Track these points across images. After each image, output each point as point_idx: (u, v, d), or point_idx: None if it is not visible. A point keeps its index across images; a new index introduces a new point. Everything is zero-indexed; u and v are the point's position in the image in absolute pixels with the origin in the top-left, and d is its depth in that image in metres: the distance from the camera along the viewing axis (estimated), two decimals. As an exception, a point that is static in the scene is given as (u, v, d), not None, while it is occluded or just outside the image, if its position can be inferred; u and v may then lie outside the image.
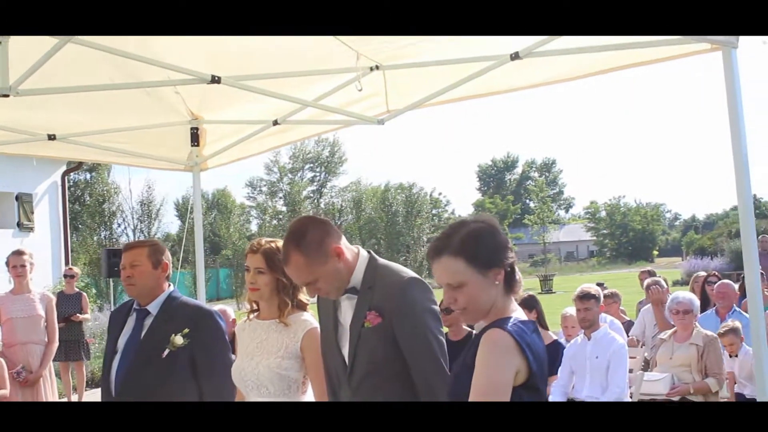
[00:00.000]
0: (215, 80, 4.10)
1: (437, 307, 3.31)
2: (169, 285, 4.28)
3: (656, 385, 6.57)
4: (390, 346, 3.19)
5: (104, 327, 15.43)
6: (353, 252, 3.34)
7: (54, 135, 5.48)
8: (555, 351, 7.02)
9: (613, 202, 79.57)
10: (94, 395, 12.29)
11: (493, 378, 2.49)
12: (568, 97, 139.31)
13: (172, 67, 4.03)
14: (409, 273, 3.30)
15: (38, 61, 3.69)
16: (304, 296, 3.84)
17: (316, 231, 3.25)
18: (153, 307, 4.17)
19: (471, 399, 2.51)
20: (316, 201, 56.18)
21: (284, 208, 56.08)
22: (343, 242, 3.32)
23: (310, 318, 3.79)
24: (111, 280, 18.05)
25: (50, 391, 7.27)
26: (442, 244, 2.64)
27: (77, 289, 11.96)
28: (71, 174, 19.97)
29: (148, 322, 4.14)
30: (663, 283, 8.79)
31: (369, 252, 3.40)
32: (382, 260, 3.37)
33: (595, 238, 78.25)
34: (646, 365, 7.08)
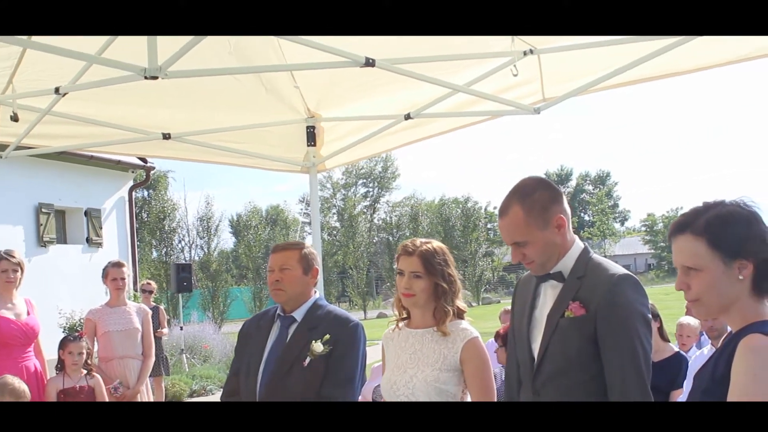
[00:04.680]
0: (369, 63, 3.70)
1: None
2: (315, 291, 4.02)
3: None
4: (588, 343, 2.80)
5: (174, 342, 15.58)
6: (572, 235, 3.02)
7: (169, 134, 5.20)
8: (678, 363, 6.51)
9: (670, 215, 77.93)
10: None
11: (764, 392, 2.05)
12: (615, 107, 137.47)
13: (323, 47, 3.63)
14: (625, 270, 2.92)
15: (186, 45, 3.36)
16: (461, 303, 3.51)
17: (545, 192, 2.95)
18: (298, 314, 3.92)
19: None
20: (370, 216, 56.03)
21: (338, 224, 56.07)
22: (568, 218, 2.99)
23: (470, 327, 3.46)
24: (180, 295, 17.97)
25: (147, 408, 6.89)
26: (686, 221, 2.28)
27: (154, 303, 11.74)
28: (136, 189, 19.85)
29: (293, 329, 3.91)
30: None
31: (585, 243, 3.04)
32: (595, 254, 3.01)
33: (653, 251, 76.71)
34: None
